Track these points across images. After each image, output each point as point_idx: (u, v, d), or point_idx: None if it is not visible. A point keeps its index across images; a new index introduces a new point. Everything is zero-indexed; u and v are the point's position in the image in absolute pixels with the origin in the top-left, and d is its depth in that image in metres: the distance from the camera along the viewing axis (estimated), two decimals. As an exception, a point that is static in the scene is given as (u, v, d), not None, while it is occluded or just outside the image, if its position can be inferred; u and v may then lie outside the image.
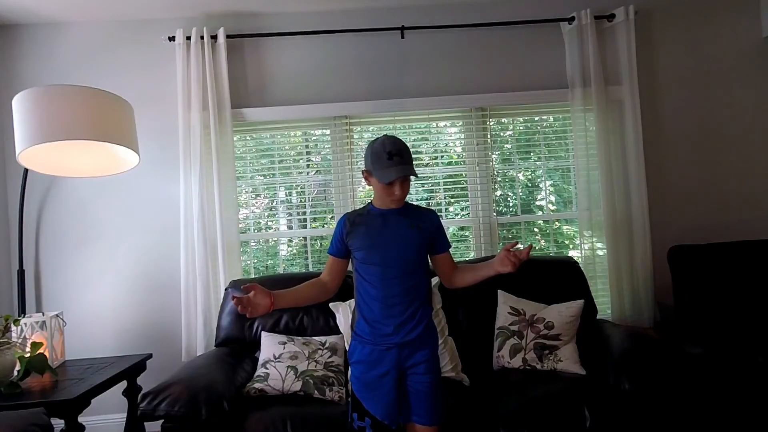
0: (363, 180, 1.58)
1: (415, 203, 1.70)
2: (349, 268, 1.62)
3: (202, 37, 2.54)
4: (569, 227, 2.90)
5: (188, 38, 2.54)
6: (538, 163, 2.84)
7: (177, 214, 2.54)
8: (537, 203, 2.89)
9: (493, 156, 2.81)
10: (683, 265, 2.39)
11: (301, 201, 2.83)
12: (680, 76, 2.75)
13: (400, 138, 1.51)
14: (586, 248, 2.66)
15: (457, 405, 1.79)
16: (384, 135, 1.52)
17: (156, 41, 2.62)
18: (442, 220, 2.75)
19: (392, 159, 1.43)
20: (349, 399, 1.55)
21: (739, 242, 2.44)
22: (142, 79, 2.65)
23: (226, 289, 2.36)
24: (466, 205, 2.80)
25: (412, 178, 1.55)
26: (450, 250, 1.63)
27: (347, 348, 1.96)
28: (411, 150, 1.52)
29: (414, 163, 2.72)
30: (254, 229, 2.81)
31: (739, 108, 2.75)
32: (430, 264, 1.62)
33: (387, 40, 2.71)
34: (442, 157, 2.84)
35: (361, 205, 1.67)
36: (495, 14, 2.71)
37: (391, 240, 1.51)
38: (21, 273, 2.43)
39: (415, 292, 1.52)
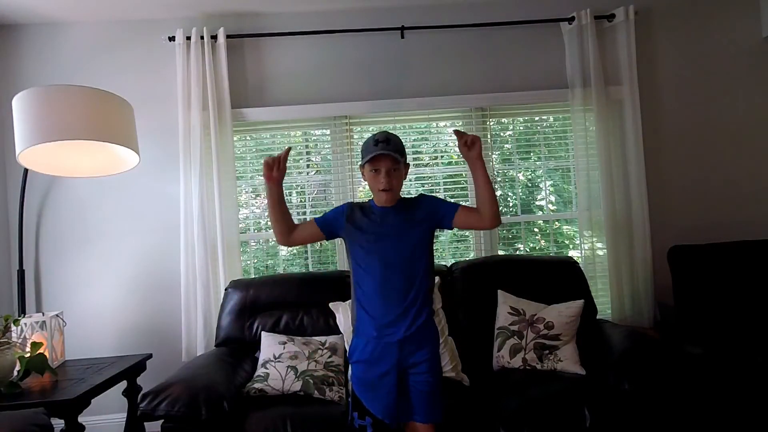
0: (363, 180, 1.60)
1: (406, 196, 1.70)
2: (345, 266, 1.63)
3: (202, 37, 2.53)
4: (569, 227, 2.90)
5: (188, 38, 2.54)
6: (538, 163, 2.84)
7: (177, 214, 2.54)
8: (537, 203, 2.89)
9: (493, 156, 2.81)
10: (683, 265, 2.40)
11: (301, 201, 2.83)
12: (680, 76, 2.75)
13: (401, 135, 1.53)
14: (586, 248, 2.66)
15: (457, 405, 1.79)
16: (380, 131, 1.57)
17: (156, 41, 2.62)
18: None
19: (377, 145, 1.48)
20: (350, 398, 1.55)
21: (739, 242, 2.44)
22: (142, 79, 2.65)
23: (226, 289, 2.36)
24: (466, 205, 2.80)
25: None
26: (462, 203, 1.64)
27: (347, 348, 1.96)
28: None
29: (414, 163, 2.76)
30: (254, 229, 2.81)
31: (739, 108, 2.75)
32: (461, 226, 1.59)
33: (387, 40, 2.71)
34: (442, 157, 2.84)
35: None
36: (495, 14, 2.71)
37: (389, 239, 1.52)
38: (21, 273, 2.43)
39: (415, 290, 1.52)
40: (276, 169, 1.59)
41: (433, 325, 1.58)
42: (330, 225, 1.60)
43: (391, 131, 2.78)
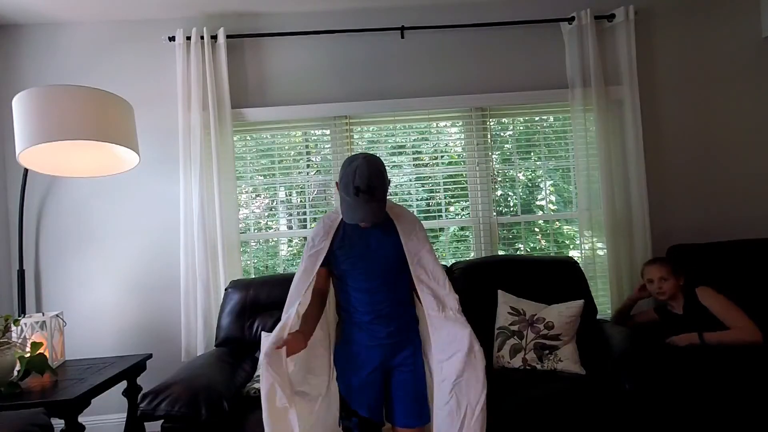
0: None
1: (400, 204, 1.66)
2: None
3: (202, 37, 2.53)
4: (569, 227, 2.90)
5: (188, 38, 2.54)
6: (538, 163, 2.84)
7: (177, 214, 2.54)
8: (537, 203, 2.89)
9: (493, 156, 2.81)
10: (683, 264, 2.39)
11: (301, 201, 2.83)
12: (680, 76, 2.75)
13: (376, 166, 1.36)
14: (586, 248, 2.66)
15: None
16: (363, 157, 1.38)
17: (156, 41, 2.62)
18: (442, 221, 2.77)
19: (358, 195, 1.32)
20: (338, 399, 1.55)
21: (739, 241, 2.44)
22: (142, 79, 2.65)
23: (226, 289, 2.36)
24: (466, 205, 2.80)
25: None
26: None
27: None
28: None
29: (414, 163, 2.77)
30: (254, 229, 2.81)
31: (739, 108, 2.75)
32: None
33: (387, 40, 2.71)
34: (442, 157, 2.84)
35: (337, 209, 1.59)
36: (495, 14, 2.71)
37: (373, 249, 1.50)
38: (21, 273, 2.43)
39: (400, 295, 1.53)
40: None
41: (415, 327, 1.57)
42: (329, 257, 1.52)
43: (390, 131, 2.78)
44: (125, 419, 2.27)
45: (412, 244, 1.50)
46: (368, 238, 1.51)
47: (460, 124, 2.82)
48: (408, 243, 1.49)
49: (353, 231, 1.52)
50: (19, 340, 1.99)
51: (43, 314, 2.13)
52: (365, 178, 1.31)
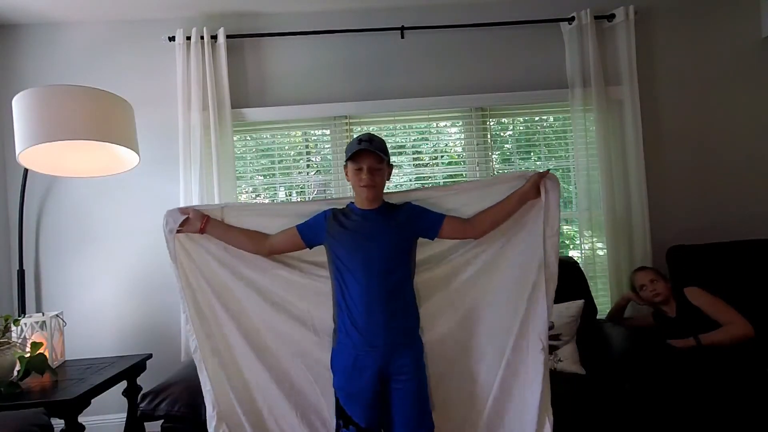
0: (347, 180, 1.60)
1: (395, 200, 1.66)
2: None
3: (202, 37, 2.54)
4: (569, 227, 2.90)
5: (188, 38, 2.54)
6: (538, 163, 2.84)
7: (177, 214, 2.53)
8: (537, 203, 2.88)
9: (493, 156, 2.81)
10: (682, 265, 2.39)
11: (301, 201, 2.83)
12: (680, 76, 2.75)
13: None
14: (586, 248, 2.66)
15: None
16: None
17: (156, 41, 2.62)
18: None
19: (360, 143, 1.49)
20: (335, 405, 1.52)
21: (739, 242, 2.44)
22: (142, 79, 2.65)
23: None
24: (466, 205, 2.80)
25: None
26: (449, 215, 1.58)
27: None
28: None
29: (414, 163, 2.77)
30: (254, 229, 2.81)
31: (739, 108, 2.75)
32: (447, 237, 1.59)
33: (387, 40, 2.71)
34: (442, 157, 2.84)
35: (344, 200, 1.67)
36: (495, 14, 2.71)
37: (372, 241, 1.50)
38: (21, 273, 2.43)
39: (398, 294, 1.51)
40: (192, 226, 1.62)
41: (416, 331, 1.55)
42: (312, 230, 1.56)
43: (390, 131, 2.79)
44: (125, 419, 2.27)
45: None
46: (369, 224, 1.53)
47: (460, 124, 2.82)
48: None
49: (354, 215, 1.55)
50: (19, 340, 1.99)
51: (43, 314, 2.13)
52: (366, 135, 1.54)
